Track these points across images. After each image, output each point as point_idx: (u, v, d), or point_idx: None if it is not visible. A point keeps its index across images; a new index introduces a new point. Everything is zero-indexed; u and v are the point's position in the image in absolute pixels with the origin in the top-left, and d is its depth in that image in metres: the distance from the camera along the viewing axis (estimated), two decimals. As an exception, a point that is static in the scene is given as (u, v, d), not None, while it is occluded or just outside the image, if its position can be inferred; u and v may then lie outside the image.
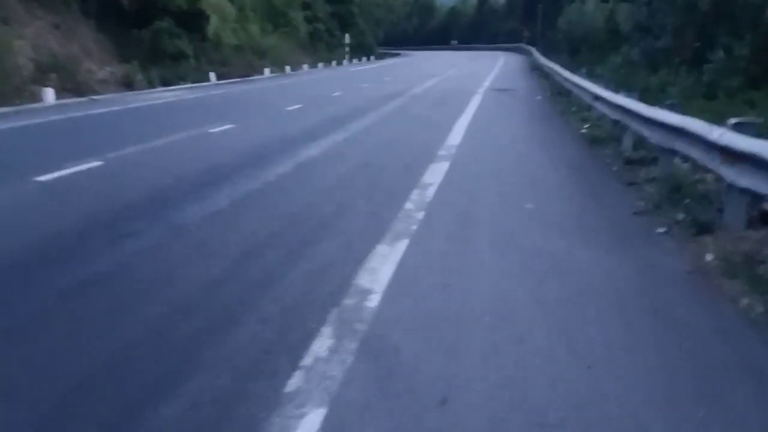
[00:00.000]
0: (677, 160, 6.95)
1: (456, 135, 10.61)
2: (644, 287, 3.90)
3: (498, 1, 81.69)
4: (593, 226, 5.30)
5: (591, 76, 20.00)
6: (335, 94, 19.22)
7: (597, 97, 10.71)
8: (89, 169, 7.15)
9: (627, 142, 8.83)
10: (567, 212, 5.74)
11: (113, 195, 6.14)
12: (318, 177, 7.31)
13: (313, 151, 9.01)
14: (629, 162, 8.01)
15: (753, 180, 4.59)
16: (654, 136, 7.07)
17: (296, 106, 15.33)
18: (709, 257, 4.42)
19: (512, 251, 4.55)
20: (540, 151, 9.28)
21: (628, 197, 6.35)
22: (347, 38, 50.77)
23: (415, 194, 6.28)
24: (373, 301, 3.59)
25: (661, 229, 5.14)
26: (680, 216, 5.35)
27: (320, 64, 40.95)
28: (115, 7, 25.31)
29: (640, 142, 8.33)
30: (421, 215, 5.48)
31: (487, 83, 23.75)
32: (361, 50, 55.18)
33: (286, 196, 6.26)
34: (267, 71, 31.53)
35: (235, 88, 23.29)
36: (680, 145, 6.22)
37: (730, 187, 4.91)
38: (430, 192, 6.40)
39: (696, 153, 5.68)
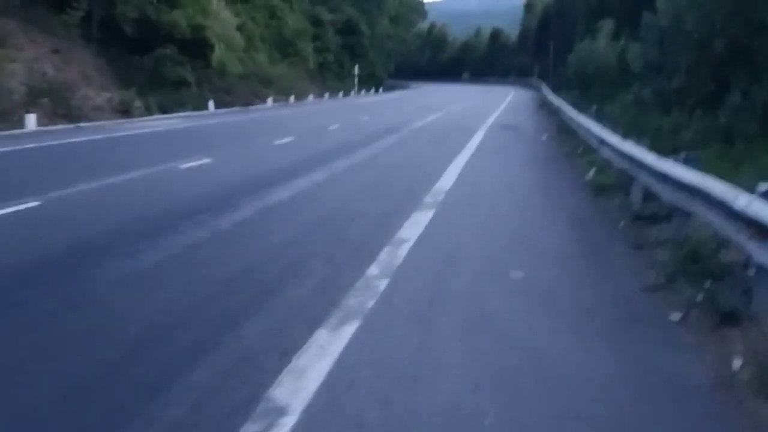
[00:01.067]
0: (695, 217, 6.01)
1: (449, 178, 9.73)
2: (651, 412, 2.91)
3: (510, 37, 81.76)
4: (592, 306, 4.34)
5: (600, 114, 19.22)
6: (332, 127, 18.48)
7: (603, 142, 9.81)
8: (17, 212, 6.30)
9: (636, 193, 7.90)
10: (561, 285, 4.78)
11: (21, 249, 5.24)
12: (278, 226, 6.40)
13: (285, 192, 8.14)
14: (639, 218, 7.05)
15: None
16: (666, 193, 6.13)
17: (287, 140, 14.56)
18: (737, 363, 3.45)
19: (484, 346, 3.59)
20: (539, 200, 8.35)
21: (637, 265, 5.39)
22: (356, 69, 50.54)
23: (384, 254, 5.36)
24: (284, 428, 2.63)
25: (675, 316, 4.17)
26: (699, 297, 4.38)
27: (326, 95, 40.53)
28: (118, 33, 24.94)
29: (651, 193, 7.41)
30: (384, 285, 4.55)
31: (492, 119, 22.99)
32: (371, 81, 54.96)
33: (230, 253, 5.35)
34: (270, 100, 31.02)
35: (232, 117, 22.68)
36: (697, 208, 5.27)
37: (761, 269, 3.94)
38: (403, 251, 5.47)
39: (717, 220, 4.73)
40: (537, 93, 43.75)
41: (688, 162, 6.08)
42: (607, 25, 28.96)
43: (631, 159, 7.58)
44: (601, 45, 29.17)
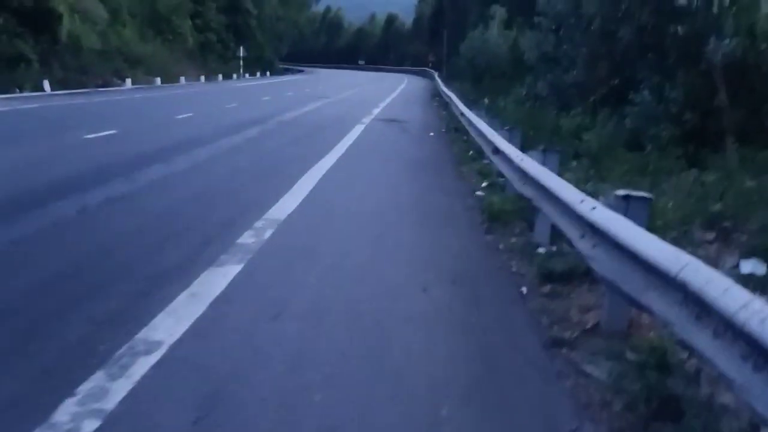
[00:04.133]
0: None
1: (296, 195, 7.08)
2: None
3: (405, 24, 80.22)
4: None
5: (493, 109, 17.31)
6: (182, 116, 15.23)
7: (497, 151, 7.54)
8: None
9: (541, 230, 5.64)
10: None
11: None
12: None
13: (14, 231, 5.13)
14: (548, 277, 4.75)
15: None
16: (592, 252, 3.82)
17: (105, 133, 11.27)
18: None
19: None
20: (410, 239, 5.87)
21: (553, 386, 3.02)
22: (241, 51, 46.61)
23: (89, 388, 2.64)
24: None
25: None
26: None
27: (202, 77, 36.52)
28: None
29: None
30: None
31: (378, 110, 20.56)
32: (259, 65, 51.15)
33: None
34: (128, 82, 26.84)
35: (61, 102, 18.64)
36: (650, 297, 2.98)
37: None
38: (134, 377, 2.78)
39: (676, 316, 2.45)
40: (431, 83, 42.04)
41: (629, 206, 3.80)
42: (500, 13, 27.40)
43: (536, 183, 5.27)
44: (493, 34, 27.60)
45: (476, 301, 4.30)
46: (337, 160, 9.85)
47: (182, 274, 4.26)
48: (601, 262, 3.73)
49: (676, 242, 6.03)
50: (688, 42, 10.49)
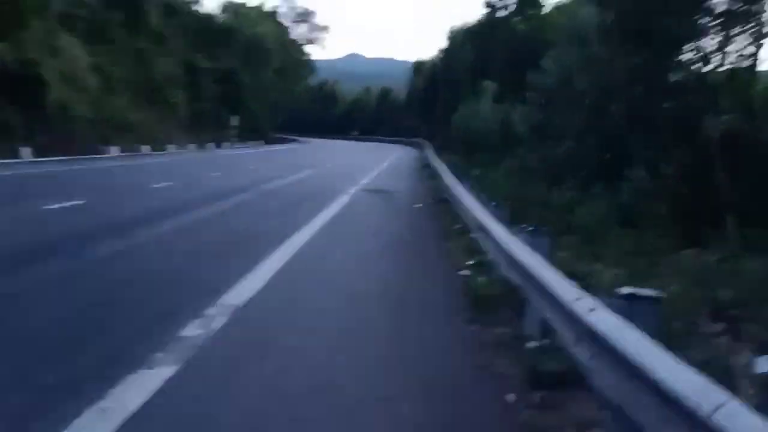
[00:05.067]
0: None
1: (259, 277, 6.38)
2: None
3: (399, 96, 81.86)
4: None
5: (482, 183, 16.90)
6: (160, 185, 14.70)
7: (482, 229, 6.94)
8: None
9: (531, 322, 4.94)
10: None
11: None
12: None
13: None
14: (539, 381, 4.02)
15: None
16: (590, 363, 3.13)
17: (73, 202, 10.66)
18: None
19: None
20: (381, 333, 5.13)
21: None
22: (234, 120, 46.93)
23: None
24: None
25: None
26: None
27: (193, 146, 36.44)
28: None
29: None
30: None
31: (366, 180, 20.16)
32: (254, 134, 51.43)
33: None
34: (115, 150, 26.49)
35: (37, 170, 18.15)
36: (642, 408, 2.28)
37: None
38: None
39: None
40: (423, 153, 42.21)
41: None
42: (491, 87, 27.65)
43: (525, 272, 4.63)
44: (484, 107, 27.74)
45: (452, 419, 3.54)
46: (313, 235, 9.22)
47: (98, 381, 3.51)
48: (602, 377, 3.03)
49: (682, 336, 5.34)
50: (682, 118, 10.18)
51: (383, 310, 5.73)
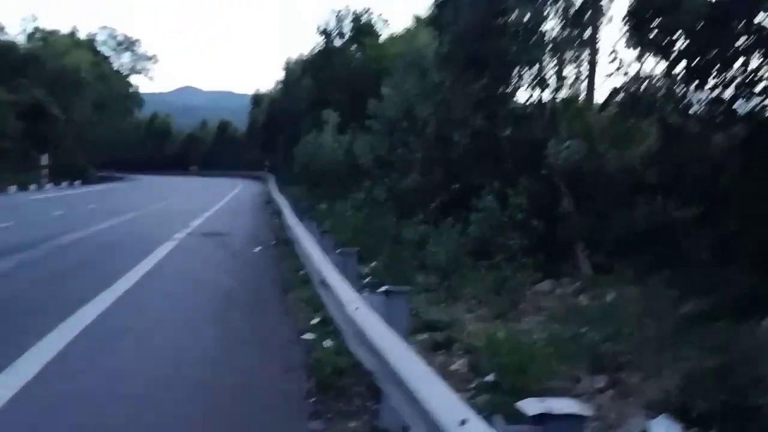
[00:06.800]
0: None
1: (15, 376, 4.48)
2: None
3: (239, 129, 79.07)
4: None
5: (329, 215, 15.78)
6: None
7: (324, 283, 5.66)
8: None
9: (390, 413, 3.70)
10: None
11: None
12: None
13: None
14: None
15: None
16: None
17: None
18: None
19: None
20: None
21: None
22: (44, 159, 41.68)
23: None
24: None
25: None
26: None
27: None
28: None
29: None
30: None
31: (199, 221, 18.05)
32: (70, 173, 45.97)
33: None
34: None
35: None
36: None
37: None
38: None
39: None
40: (266, 188, 40.38)
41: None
42: (332, 117, 26.87)
43: (381, 357, 3.37)
44: (327, 138, 26.85)
45: None
46: (117, 300, 7.30)
47: None
48: None
49: (564, 395, 4.42)
50: (525, 146, 9.84)
51: (196, 409, 4.17)
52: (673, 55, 6.98)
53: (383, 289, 4.40)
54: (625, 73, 8.11)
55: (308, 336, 6.33)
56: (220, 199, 29.92)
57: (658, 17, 6.86)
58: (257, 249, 12.81)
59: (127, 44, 65.47)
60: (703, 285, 6.12)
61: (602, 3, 10.27)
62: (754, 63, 6.71)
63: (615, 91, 8.88)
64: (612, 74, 7.92)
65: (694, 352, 4.98)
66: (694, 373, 4.62)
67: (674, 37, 6.80)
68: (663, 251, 7.12)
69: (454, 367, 6.01)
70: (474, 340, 6.70)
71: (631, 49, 7.55)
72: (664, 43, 6.93)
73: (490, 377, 5.18)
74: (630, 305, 6.72)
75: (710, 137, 7.39)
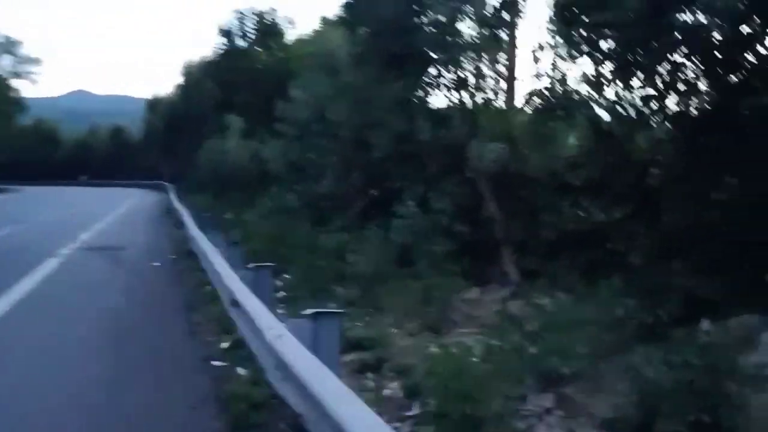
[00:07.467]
0: None
1: None
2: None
3: (135, 136, 74.64)
4: None
5: (237, 225, 14.71)
6: None
7: (235, 303, 4.84)
8: None
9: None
10: None
11: None
12: None
13: None
14: None
15: None
16: None
17: None
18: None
19: None
20: None
21: None
22: None
23: None
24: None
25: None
26: None
27: None
28: None
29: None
30: None
31: (89, 235, 16.31)
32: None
33: None
34: None
35: None
36: None
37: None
38: None
39: None
40: (166, 197, 38.03)
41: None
42: (237, 122, 25.57)
43: (310, 397, 2.66)
44: (232, 143, 25.52)
45: None
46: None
47: None
48: None
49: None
50: (448, 149, 9.41)
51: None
52: (601, 53, 6.75)
53: (310, 311, 3.67)
54: (545, 74, 7.89)
55: (218, 362, 5.48)
56: (114, 210, 27.64)
57: (587, 13, 6.59)
58: (156, 264, 11.58)
59: (7, 46, 60.06)
60: (642, 288, 5.86)
61: (519, 1, 10.06)
62: (680, 60, 6.59)
63: (534, 93, 8.65)
64: (536, 75, 7.64)
65: (647, 364, 4.63)
66: (651, 389, 4.25)
67: (603, 33, 6.56)
68: (596, 254, 6.86)
69: (387, 392, 5.39)
70: (405, 359, 6.12)
71: (558, 48, 7.28)
72: (592, 40, 6.67)
73: (431, 405, 4.58)
74: (566, 313, 6.40)
75: (636, 137, 7.24)
